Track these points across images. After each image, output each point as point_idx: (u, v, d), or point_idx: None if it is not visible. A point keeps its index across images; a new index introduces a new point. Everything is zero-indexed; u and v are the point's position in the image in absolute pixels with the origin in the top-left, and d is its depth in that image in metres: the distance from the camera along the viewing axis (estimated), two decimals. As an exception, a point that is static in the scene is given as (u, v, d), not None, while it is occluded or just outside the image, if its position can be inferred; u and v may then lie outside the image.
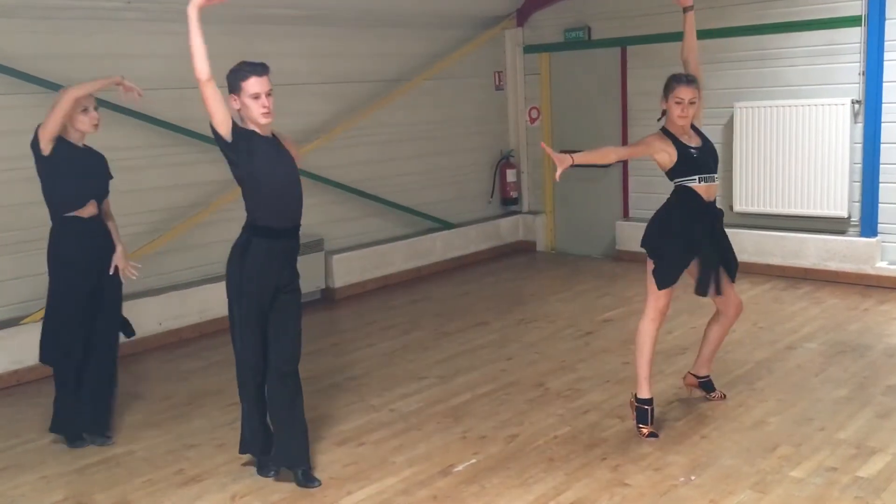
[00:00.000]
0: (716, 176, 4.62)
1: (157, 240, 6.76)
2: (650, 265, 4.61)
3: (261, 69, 3.97)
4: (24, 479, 4.44)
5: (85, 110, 4.57)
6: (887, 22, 7.02)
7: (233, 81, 3.97)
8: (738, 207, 7.95)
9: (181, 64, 6.82)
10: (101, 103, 6.29)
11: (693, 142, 4.61)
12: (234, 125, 3.95)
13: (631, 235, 8.78)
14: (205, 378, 5.90)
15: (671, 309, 4.79)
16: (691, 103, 4.47)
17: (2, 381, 5.86)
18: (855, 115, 7.28)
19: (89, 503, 4.14)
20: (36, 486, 4.36)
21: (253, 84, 3.93)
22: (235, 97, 3.97)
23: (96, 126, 4.64)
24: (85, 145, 4.71)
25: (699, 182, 4.57)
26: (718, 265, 4.67)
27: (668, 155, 4.55)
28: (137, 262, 6.57)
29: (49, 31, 6.19)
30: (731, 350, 5.82)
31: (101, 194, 4.76)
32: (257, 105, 3.95)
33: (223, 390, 5.50)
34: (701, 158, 4.60)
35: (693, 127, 4.63)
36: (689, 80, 4.50)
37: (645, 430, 4.57)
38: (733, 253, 4.79)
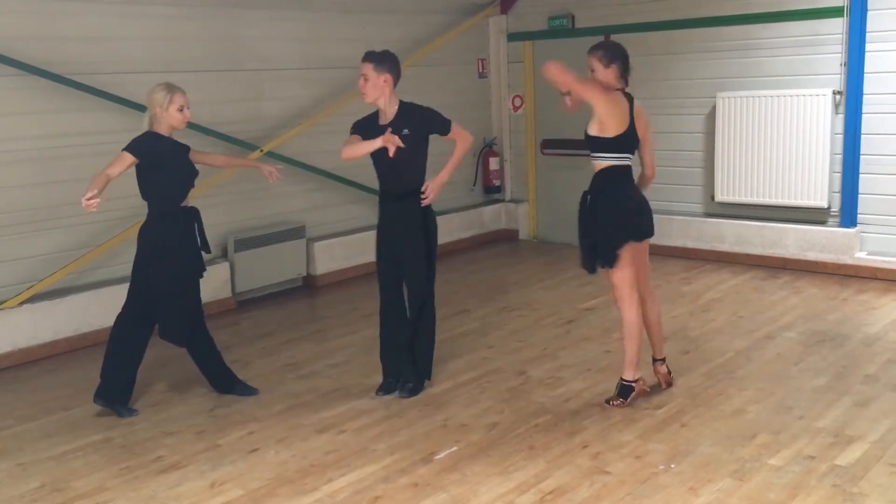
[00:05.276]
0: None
1: (137, 224, 6.67)
2: None
3: None
4: (1, 466, 4.39)
5: (181, 109, 4.80)
6: (869, 13, 7.04)
7: (399, 68, 4.95)
8: (719, 197, 7.98)
9: (161, 47, 6.84)
10: (75, 86, 6.22)
11: None
12: None
13: (613, 224, 8.80)
14: (184, 365, 5.83)
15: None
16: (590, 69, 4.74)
17: (-22, 368, 5.81)
18: (836, 105, 7.30)
19: (66, 490, 4.10)
20: (12, 473, 4.32)
21: None
22: (395, 80, 4.89)
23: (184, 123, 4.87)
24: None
25: None
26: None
27: None
28: (117, 248, 6.55)
29: (29, 11, 6.09)
30: (711, 339, 5.85)
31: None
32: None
33: (203, 377, 5.46)
34: None
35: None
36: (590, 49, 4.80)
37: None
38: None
